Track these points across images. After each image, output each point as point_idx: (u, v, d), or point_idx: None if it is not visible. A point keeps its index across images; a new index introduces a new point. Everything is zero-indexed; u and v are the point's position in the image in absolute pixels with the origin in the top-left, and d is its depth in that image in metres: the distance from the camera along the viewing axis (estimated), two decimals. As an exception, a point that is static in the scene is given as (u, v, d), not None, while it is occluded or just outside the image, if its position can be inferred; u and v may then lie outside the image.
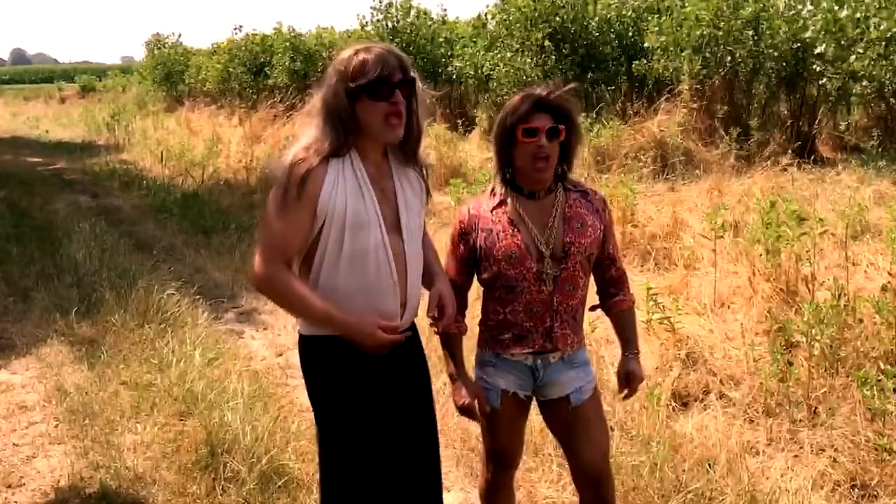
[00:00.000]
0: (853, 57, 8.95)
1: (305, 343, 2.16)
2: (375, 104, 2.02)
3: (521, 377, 2.32)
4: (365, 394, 2.10)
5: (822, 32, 9.21)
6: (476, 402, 2.32)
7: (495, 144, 2.28)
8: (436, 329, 2.23)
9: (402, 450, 2.15)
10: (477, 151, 10.91)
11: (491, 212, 2.28)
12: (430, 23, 14.94)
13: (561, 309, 2.26)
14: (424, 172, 2.22)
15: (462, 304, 2.36)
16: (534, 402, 2.41)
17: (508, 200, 2.27)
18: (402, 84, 2.04)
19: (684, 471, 3.15)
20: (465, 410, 2.33)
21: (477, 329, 2.39)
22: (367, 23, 15.11)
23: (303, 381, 2.22)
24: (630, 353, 2.40)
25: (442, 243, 2.41)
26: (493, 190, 2.32)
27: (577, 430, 2.32)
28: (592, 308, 2.44)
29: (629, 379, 2.38)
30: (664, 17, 10.49)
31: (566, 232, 2.24)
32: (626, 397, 2.45)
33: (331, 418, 2.14)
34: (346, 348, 2.07)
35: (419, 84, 2.10)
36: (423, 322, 2.24)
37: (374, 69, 2.00)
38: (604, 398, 2.65)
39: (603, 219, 2.33)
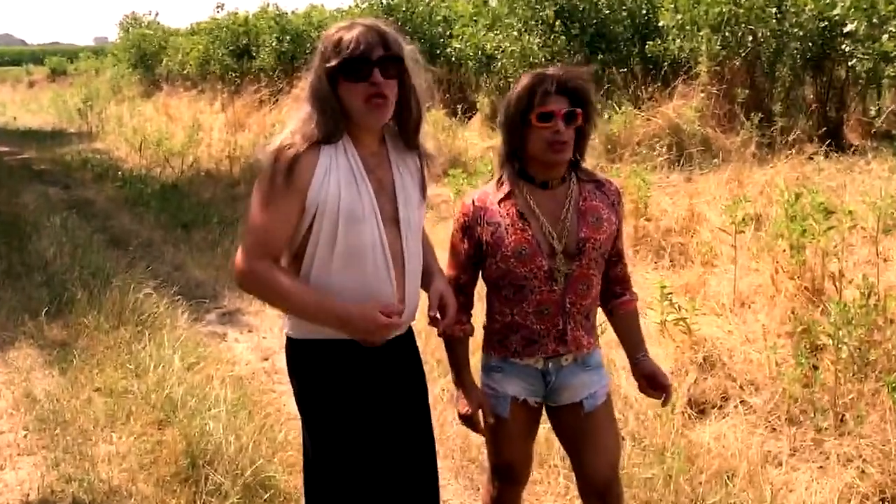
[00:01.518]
0: (885, 36, 8.92)
1: (293, 347, 2.15)
2: (354, 85, 2.00)
3: (532, 382, 2.32)
4: (357, 401, 2.10)
5: (852, 9, 9.18)
6: (480, 412, 2.31)
7: (504, 130, 2.26)
8: (438, 330, 2.21)
9: (396, 460, 2.15)
10: (478, 139, 10.91)
11: (498, 204, 2.25)
12: (427, 0, 14.91)
13: (573, 310, 2.26)
14: (425, 163, 2.20)
15: (468, 304, 2.35)
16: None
17: (518, 191, 2.25)
18: (384, 62, 2.00)
19: (701, 483, 3.16)
20: (467, 420, 2.33)
21: (481, 331, 2.39)
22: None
23: (290, 386, 2.22)
24: (645, 356, 2.41)
25: (439, 238, 2.41)
26: (500, 180, 2.29)
27: (588, 438, 2.32)
28: None
29: (656, 380, 2.37)
30: (680, -6, 10.46)
31: (580, 227, 2.23)
32: (665, 402, 2.44)
33: (320, 427, 2.14)
34: (337, 352, 2.07)
35: (414, 60, 2.07)
36: (420, 325, 2.24)
37: (348, 47, 1.98)
38: (614, 404, 2.66)
39: (618, 213, 2.32)
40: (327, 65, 2.00)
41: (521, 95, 2.20)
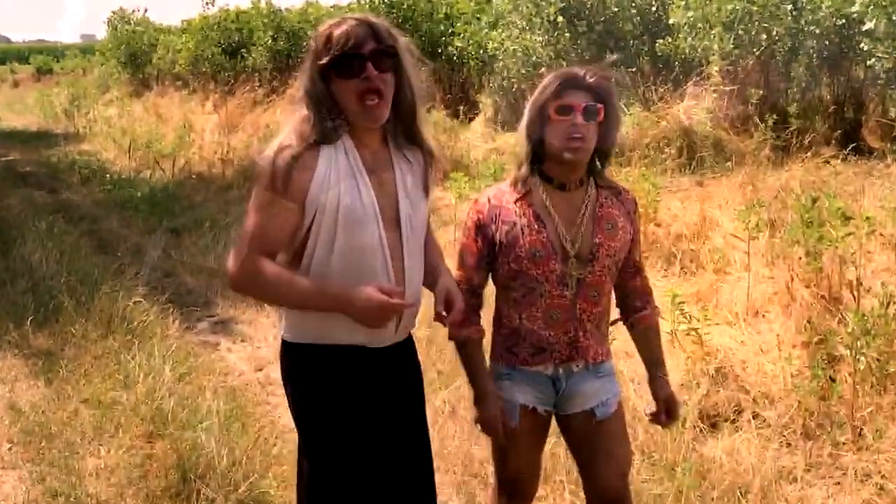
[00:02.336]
0: (905, 34, 8.95)
1: (290, 351, 2.17)
2: (346, 82, 2.01)
3: (542, 390, 2.34)
4: (353, 408, 2.11)
5: (871, 6, 9.20)
6: (500, 414, 2.31)
7: (526, 128, 2.30)
8: (444, 324, 2.22)
9: (391, 469, 2.17)
10: (480, 141, 10.93)
11: (514, 203, 2.29)
12: (429, -4, 14.94)
13: (584, 317, 2.29)
14: (427, 160, 2.21)
15: (478, 305, 2.37)
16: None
17: (535, 191, 2.28)
18: (377, 55, 2.01)
19: (713, 499, 3.17)
20: (485, 424, 2.32)
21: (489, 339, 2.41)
22: (358, -5, 15.12)
23: (284, 396, 2.24)
24: (663, 375, 2.44)
25: (441, 242, 2.43)
26: (515, 178, 2.33)
27: (599, 448, 2.34)
28: (612, 322, 2.46)
29: (669, 409, 2.42)
30: (691, -10, 10.48)
31: (595, 232, 2.27)
32: (666, 425, 2.50)
33: (314, 434, 2.15)
34: (335, 359, 2.09)
35: (408, 52, 2.08)
36: (420, 333, 2.25)
37: (339, 43, 1.99)
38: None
39: (634, 223, 2.36)
40: (319, 62, 2.02)
41: (542, 90, 2.26)
